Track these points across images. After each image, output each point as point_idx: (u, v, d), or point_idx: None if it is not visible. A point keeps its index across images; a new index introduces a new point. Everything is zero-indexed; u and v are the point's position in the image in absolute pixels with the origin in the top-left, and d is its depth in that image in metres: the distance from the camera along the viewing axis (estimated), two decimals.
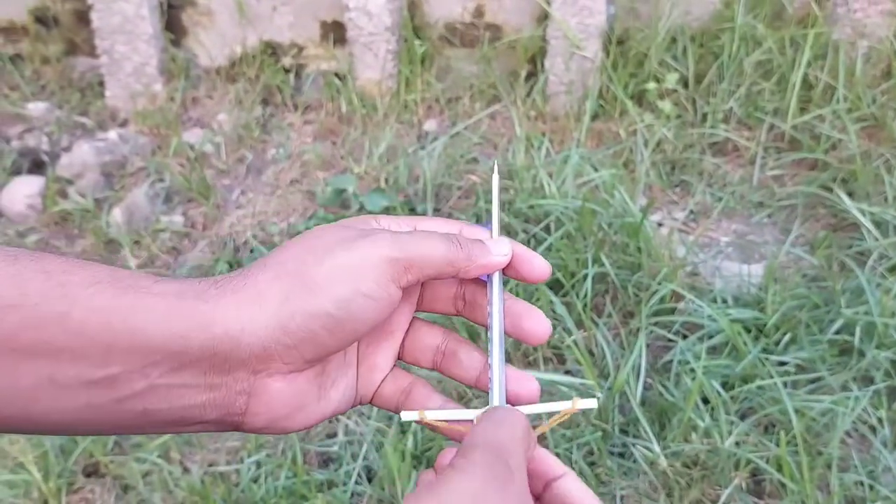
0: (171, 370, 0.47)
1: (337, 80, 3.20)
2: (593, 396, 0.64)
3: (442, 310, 0.61)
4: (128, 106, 3.18)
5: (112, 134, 3.04)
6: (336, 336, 0.50)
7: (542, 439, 1.99)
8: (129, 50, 3.14)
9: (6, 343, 0.44)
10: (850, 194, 2.62)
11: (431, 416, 0.55)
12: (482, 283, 0.60)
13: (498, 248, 0.57)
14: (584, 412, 2.02)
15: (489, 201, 2.60)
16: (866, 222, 2.50)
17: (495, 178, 0.61)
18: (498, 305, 0.58)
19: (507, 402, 0.56)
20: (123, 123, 3.19)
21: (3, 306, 0.44)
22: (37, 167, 2.96)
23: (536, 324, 0.58)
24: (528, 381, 0.58)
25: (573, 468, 1.93)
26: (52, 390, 0.45)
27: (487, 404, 0.56)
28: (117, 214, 2.71)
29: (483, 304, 0.60)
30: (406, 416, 0.55)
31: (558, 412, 0.56)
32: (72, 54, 3.42)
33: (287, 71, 3.31)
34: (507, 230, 2.53)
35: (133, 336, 0.46)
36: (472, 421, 0.54)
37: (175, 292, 0.49)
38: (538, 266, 0.58)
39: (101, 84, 3.26)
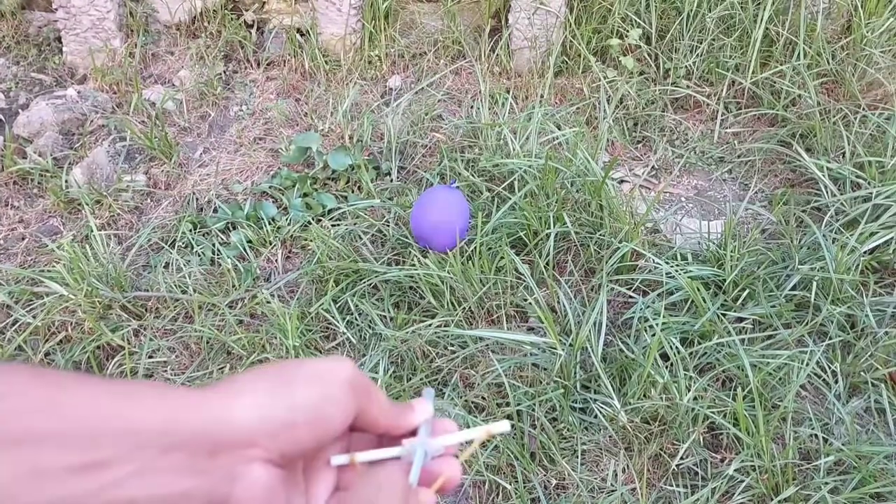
0: (160, 452, 0.47)
1: (299, 37, 3.16)
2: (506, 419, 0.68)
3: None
4: (86, 62, 3.13)
5: (71, 91, 2.99)
6: (313, 432, 0.53)
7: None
8: (85, 4, 3.08)
9: None
10: (808, 150, 2.66)
11: (361, 457, 0.58)
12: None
13: (421, 411, 0.61)
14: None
15: (452, 159, 2.61)
16: (824, 178, 2.54)
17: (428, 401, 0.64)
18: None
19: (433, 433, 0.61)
20: (82, 80, 3.14)
21: None
22: None
23: (449, 469, 0.61)
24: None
25: (535, 424, 1.97)
26: (33, 481, 0.44)
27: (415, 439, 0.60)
28: (77, 174, 2.68)
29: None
30: (336, 460, 0.58)
31: (473, 437, 0.61)
32: (28, 8, 3.35)
33: (249, 26, 3.27)
34: (470, 189, 2.54)
35: (124, 418, 0.47)
36: (398, 458, 0.58)
37: (160, 385, 0.51)
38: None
39: (59, 40, 3.20)
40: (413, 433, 0.60)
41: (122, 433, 0.47)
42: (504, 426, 0.60)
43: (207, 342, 2.23)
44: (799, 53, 2.87)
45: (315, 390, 0.53)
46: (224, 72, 3.17)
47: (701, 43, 2.95)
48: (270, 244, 2.50)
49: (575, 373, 2.06)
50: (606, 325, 2.16)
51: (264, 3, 3.27)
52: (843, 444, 1.92)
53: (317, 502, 0.58)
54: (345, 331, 2.21)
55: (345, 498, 0.55)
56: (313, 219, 2.55)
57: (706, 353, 2.09)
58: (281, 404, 0.52)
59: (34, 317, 2.26)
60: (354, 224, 2.48)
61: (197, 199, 2.67)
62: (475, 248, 2.28)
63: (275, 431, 0.51)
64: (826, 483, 1.84)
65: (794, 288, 2.23)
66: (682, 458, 1.93)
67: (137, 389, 0.49)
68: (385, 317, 2.25)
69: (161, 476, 0.47)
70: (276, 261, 2.47)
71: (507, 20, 3.09)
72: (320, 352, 2.20)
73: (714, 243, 2.40)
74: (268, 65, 3.19)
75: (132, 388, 0.49)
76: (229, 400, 0.51)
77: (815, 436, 1.96)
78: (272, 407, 0.51)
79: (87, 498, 0.45)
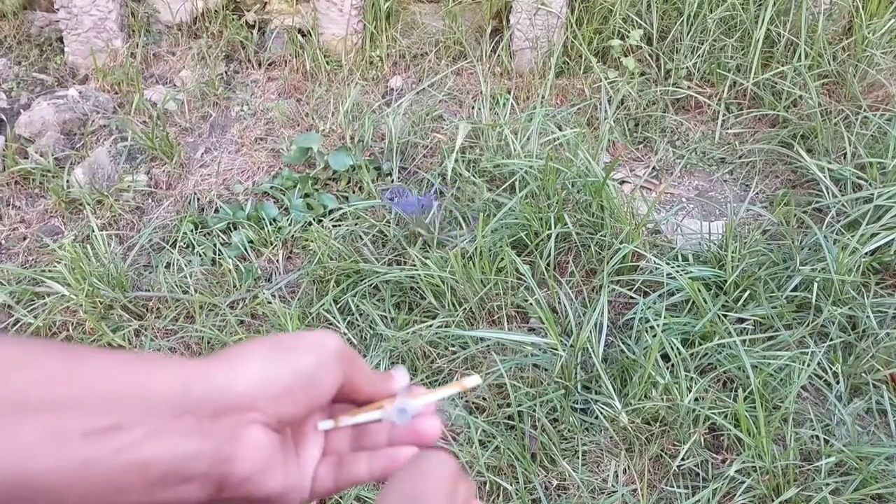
0: (172, 417, 0.50)
1: (300, 37, 3.16)
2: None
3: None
4: (88, 62, 3.13)
5: (72, 91, 2.99)
6: (308, 395, 0.56)
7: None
8: (87, 4, 3.08)
9: (12, 400, 0.46)
10: (809, 151, 2.66)
11: (345, 421, 0.61)
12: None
13: (400, 379, 0.64)
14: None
15: (455, 160, 2.61)
16: (825, 178, 2.54)
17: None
18: None
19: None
20: (84, 80, 3.15)
21: (12, 368, 0.47)
22: None
23: (429, 425, 0.63)
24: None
25: (536, 425, 1.97)
26: (53, 445, 0.46)
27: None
28: (79, 174, 2.68)
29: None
30: (322, 426, 0.61)
31: (449, 394, 0.64)
32: (30, 8, 3.35)
33: (251, 27, 3.27)
34: (470, 188, 2.54)
35: (137, 386, 0.50)
36: (380, 420, 0.61)
37: (168, 356, 0.53)
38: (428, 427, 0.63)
39: (61, 40, 3.20)
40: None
41: (135, 399, 0.49)
42: (475, 380, 0.64)
43: (208, 342, 2.23)
44: (800, 54, 2.87)
45: (310, 358, 0.56)
46: (225, 72, 3.17)
47: (702, 44, 2.95)
48: (271, 244, 2.50)
49: (576, 373, 2.06)
50: (607, 326, 2.16)
51: (266, 3, 3.27)
52: (844, 446, 1.92)
53: (307, 465, 0.60)
54: (346, 331, 2.21)
55: (389, 485, 0.56)
56: (314, 219, 2.55)
57: (707, 353, 2.09)
58: (280, 370, 0.55)
59: (35, 317, 2.26)
60: (355, 224, 2.48)
61: (198, 199, 2.67)
62: (476, 248, 2.29)
63: (274, 396, 0.54)
64: (827, 484, 1.85)
65: (795, 289, 2.23)
66: (683, 459, 1.93)
67: (147, 360, 0.52)
68: (386, 317, 2.26)
69: (172, 438, 0.50)
70: (277, 261, 2.47)
71: (508, 21, 3.09)
72: None
73: (715, 244, 2.40)
74: (269, 65, 3.19)
75: (142, 358, 0.52)
76: (231, 367, 0.54)
77: (816, 437, 1.96)
78: (272, 373, 0.54)
79: (106, 459, 0.48)
